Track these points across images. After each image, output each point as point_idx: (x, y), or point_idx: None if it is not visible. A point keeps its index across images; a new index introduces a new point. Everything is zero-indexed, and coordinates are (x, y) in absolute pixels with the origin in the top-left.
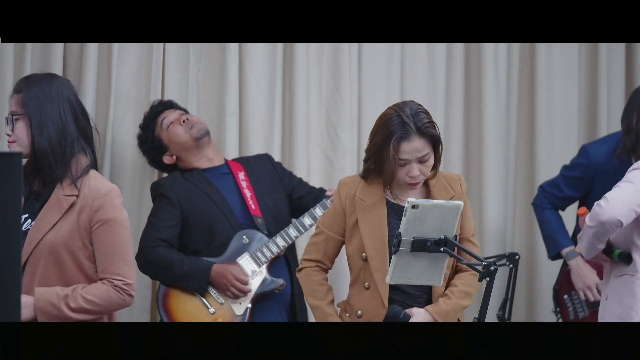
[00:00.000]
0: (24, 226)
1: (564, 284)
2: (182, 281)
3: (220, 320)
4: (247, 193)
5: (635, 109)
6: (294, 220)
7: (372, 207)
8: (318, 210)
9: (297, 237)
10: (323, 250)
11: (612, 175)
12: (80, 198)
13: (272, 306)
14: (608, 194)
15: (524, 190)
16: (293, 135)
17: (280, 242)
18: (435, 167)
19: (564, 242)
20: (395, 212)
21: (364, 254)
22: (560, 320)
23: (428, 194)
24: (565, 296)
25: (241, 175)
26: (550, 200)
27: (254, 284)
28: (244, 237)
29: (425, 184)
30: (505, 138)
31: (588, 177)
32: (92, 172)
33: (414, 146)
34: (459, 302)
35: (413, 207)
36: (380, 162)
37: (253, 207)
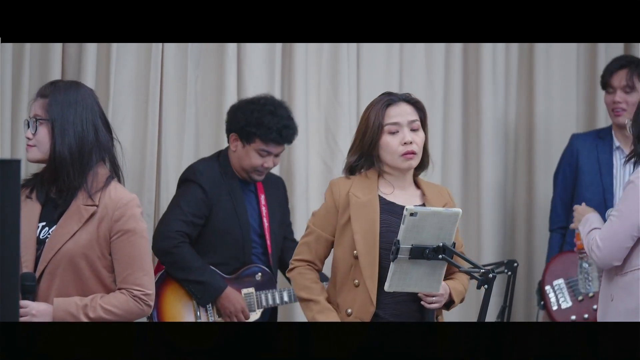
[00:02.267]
0: (42, 234)
1: (549, 274)
2: (192, 285)
3: None
4: (265, 223)
5: None
6: None
7: (365, 204)
8: None
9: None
10: (314, 250)
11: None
12: (100, 208)
13: None
14: (601, 235)
15: (522, 195)
16: (292, 148)
17: (285, 296)
18: (425, 149)
19: None
20: (388, 210)
21: (355, 251)
22: (542, 312)
23: (422, 196)
24: (548, 287)
25: (262, 199)
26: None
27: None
28: (260, 274)
29: (418, 185)
30: (504, 139)
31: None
32: (113, 182)
33: (403, 109)
34: (464, 291)
35: (412, 214)
36: (371, 140)
37: (269, 242)
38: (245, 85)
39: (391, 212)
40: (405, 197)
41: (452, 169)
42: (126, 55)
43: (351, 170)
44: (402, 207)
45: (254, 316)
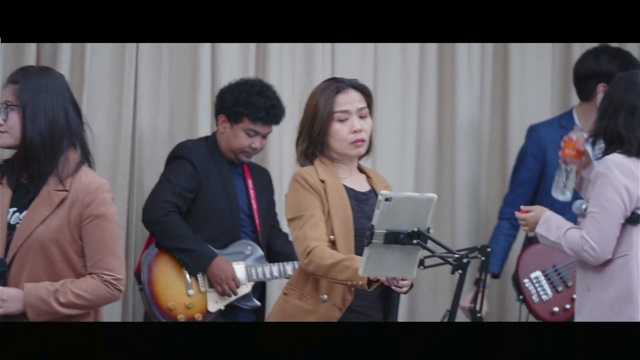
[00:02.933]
0: (12, 219)
1: (523, 267)
2: (182, 254)
3: (191, 307)
4: (254, 205)
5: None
6: (295, 262)
7: (337, 189)
8: None
9: (290, 275)
10: (322, 230)
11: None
12: (71, 193)
13: (240, 314)
14: (590, 235)
15: (496, 185)
16: None
17: (274, 271)
18: (370, 140)
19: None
20: (352, 196)
21: (332, 237)
22: (523, 306)
23: (368, 179)
24: (526, 280)
25: (250, 184)
26: None
27: (237, 293)
28: (249, 247)
29: (362, 171)
30: (479, 138)
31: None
32: (84, 167)
33: (351, 96)
34: None
35: (386, 199)
36: (320, 128)
37: (257, 221)
38: (219, 78)
39: (355, 198)
40: (357, 181)
41: (427, 167)
42: (100, 55)
43: (305, 157)
44: (362, 193)
45: (245, 289)
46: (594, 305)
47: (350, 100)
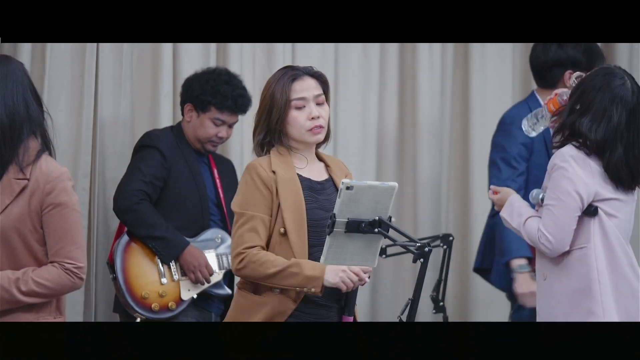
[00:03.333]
0: None
1: None
2: (154, 242)
3: (164, 295)
4: (221, 193)
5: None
6: None
7: (289, 180)
8: None
9: None
10: (263, 234)
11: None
12: (31, 181)
13: (211, 301)
14: (546, 227)
15: (457, 175)
16: None
17: None
18: (328, 127)
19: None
20: (307, 187)
21: (282, 229)
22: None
23: (327, 167)
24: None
25: (215, 173)
26: None
27: (210, 282)
28: (219, 235)
29: (319, 158)
30: (440, 127)
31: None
32: (44, 156)
33: (308, 83)
34: None
35: (347, 188)
36: (278, 117)
37: (225, 210)
38: (181, 66)
39: (310, 189)
40: (315, 170)
41: (389, 164)
42: (60, 53)
43: (261, 148)
44: (318, 183)
45: (216, 277)
46: (550, 295)
47: (306, 87)
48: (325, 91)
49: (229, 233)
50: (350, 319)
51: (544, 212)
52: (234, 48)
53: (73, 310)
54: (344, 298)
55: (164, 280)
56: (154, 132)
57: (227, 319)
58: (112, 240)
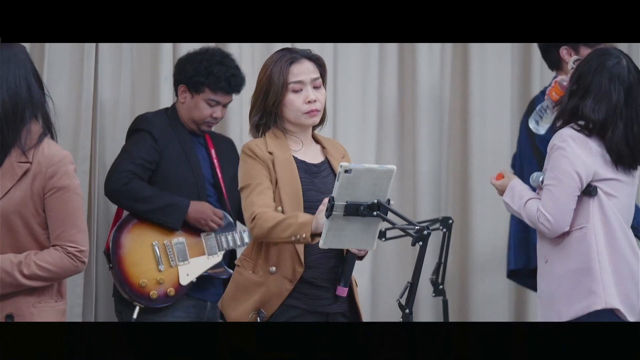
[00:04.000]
0: None
1: None
2: (157, 214)
3: (163, 282)
4: (219, 174)
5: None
6: None
7: (285, 162)
8: None
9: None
10: (269, 197)
11: None
12: (34, 165)
13: (212, 281)
14: (545, 207)
15: (457, 157)
16: (225, 120)
17: (245, 238)
18: (324, 110)
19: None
20: (303, 169)
21: (279, 207)
22: None
23: (323, 149)
24: None
25: (213, 153)
26: None
27: (208, 264)
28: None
29: (316, 140)
30: (439, 135)
31: None
32: (46, 139)
33: (305, 67)
34: None
35: (346, 171)
36: (275, 99)
37: (224, 189)
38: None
39: (306, 171)
40: (311, 153)
41: (388, 158)
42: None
43: (257, 129)
44: (314, 165)
45: (216, 259)
46: (551, 277)
47: (304, 70)
48: (323, 75)
49: (228, 212)
50: (345, 290)
51: (543, 193)
52: (233, 48)
53: (73, 293)
54: (339, 279)
55: (161, 267)
56: (145, 116)
57: (225, 296)
58: (110, 226)
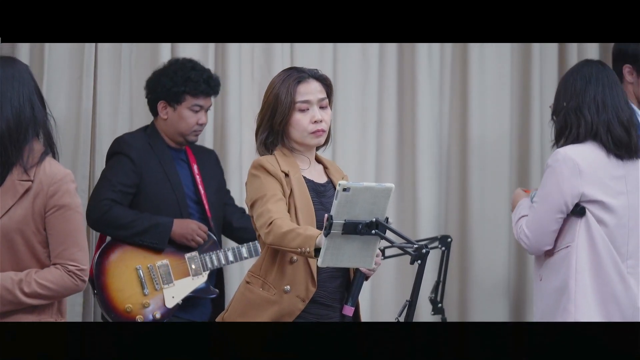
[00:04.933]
0: None
1: None
2: (142, 237)
3: (148, 306)
4: (201, 190)
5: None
6: (250, 243)
7: (298, 181)
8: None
9: (247, 257)
10: (285, 208)
11: None
12: (35, 183)
13: (199, 302)
14: (527, 224)
15: (456, 173)
16: (225, 122)
17: (230, 256)
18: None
19: None
20: (311, 189)
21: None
22: None
23: (325, 169)
24: None
25: (195, 169)
26: None
27: (193, 285)
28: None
29: (320, 161)
30: (438, 137)
31: None
32: (48, 157)
33: (313, 87)
34: None
35: (344, 189)
36: (282, 118)
37: (207, 206)
38: None
39: (314, 190)
40: (316, 173)
41: (388, 164)
42: (58, 54)
43: (265, 147)
44: (321, 185)
45: (201, 279)
46: (542, 295)
47: (311, 90)
48: (329, 94)
49: (211, 229)
50: (352, 310)
51: (530, 209)
52: (233, 48)
53: (72, 311)
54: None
55: (146, 291)
56: (123, 138)
57: (231, 312)
58: (94, 252)
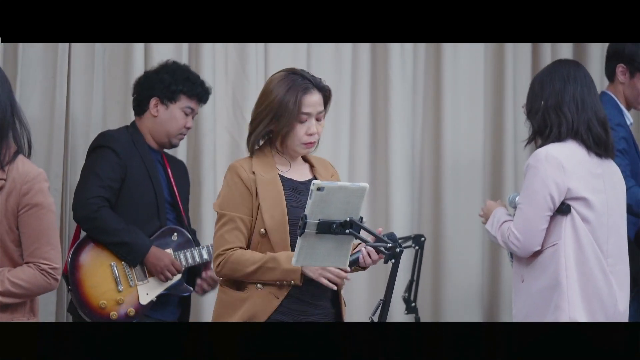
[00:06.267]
0: None
1: None
2: (118, 248)
3: (122, 302)
4: (176, 192)
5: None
6: None
7: (270, 181)
8: None
9: None
10: (243, 235)
11: None
12: (8, 182)
13: (168, 301)
14: (516, 226)
15: (430, 172)
16: (199, 121)
17: (204, 254)
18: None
19: None
20: (289, 187)
21: (262, 229)
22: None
23: (311, 168)
24: None
25: (169, 172)
26: None
27: (168, 282)
28: (175, 233)
29: (305, 159)
30: (411, 136)
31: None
32: (20, 156)
33: (315, 99)
34: None
35: (318, 189)
36: (279, 121)
37: (181, 206)
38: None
39: (292, 189)
40: (299, 172)
41: (361, 163)
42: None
43: (256, 146)
44: (301, 183)
45: (175, 277)
46: (527, 296)
47: (313, 103)
48: (326, 104)
49: (186, 228)
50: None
51: (516, 212)
52: (206, 48)
53: (45, 310)
54: (336, 297)
55: (120, 287)
56: (108, 132)
57: (213, 316)
58: (68, 248)
